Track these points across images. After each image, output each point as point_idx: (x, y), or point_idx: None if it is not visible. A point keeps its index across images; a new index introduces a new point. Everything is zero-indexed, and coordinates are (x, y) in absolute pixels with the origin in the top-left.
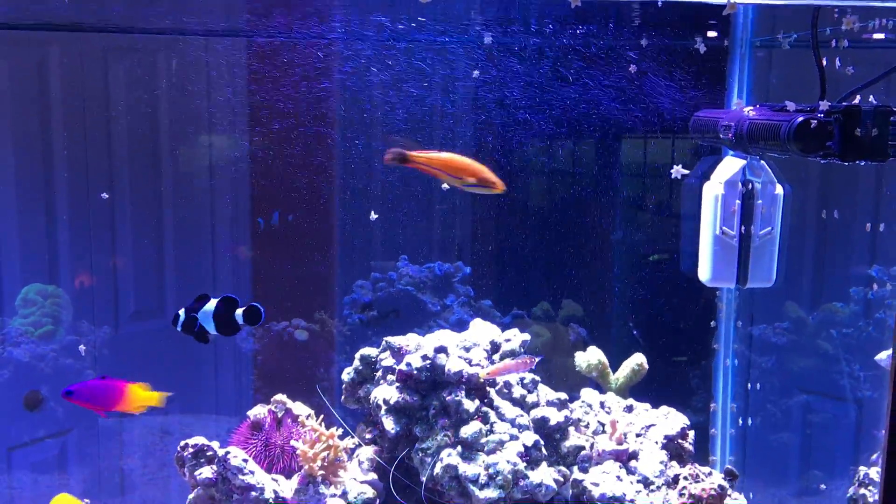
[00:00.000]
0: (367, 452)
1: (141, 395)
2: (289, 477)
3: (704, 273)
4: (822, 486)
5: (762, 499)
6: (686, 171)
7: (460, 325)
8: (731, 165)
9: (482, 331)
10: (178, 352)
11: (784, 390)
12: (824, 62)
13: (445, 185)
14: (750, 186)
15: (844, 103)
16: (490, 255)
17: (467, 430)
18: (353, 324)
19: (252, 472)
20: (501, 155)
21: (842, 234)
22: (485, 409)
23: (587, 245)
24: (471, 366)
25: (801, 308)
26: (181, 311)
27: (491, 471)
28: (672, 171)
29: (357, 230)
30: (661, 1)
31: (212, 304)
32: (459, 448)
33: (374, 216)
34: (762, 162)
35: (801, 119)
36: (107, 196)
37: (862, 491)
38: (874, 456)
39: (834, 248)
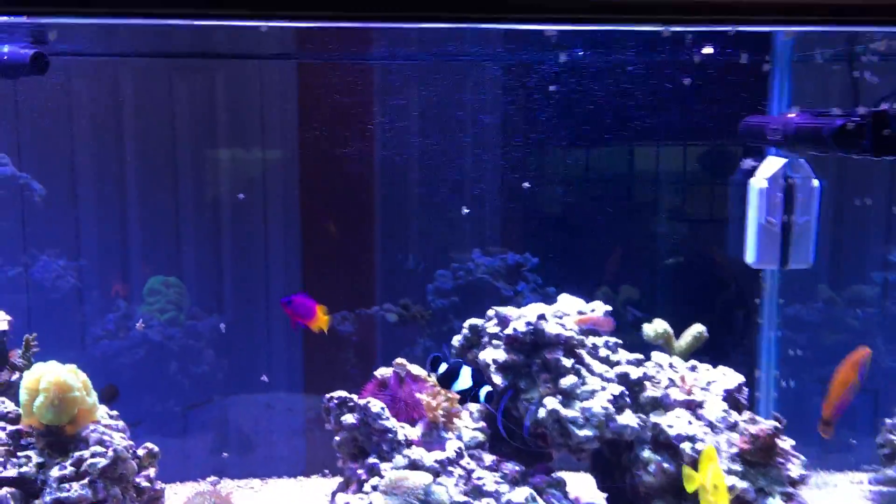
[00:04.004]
0: (478, 404)
1: (322, 318)
2: (412, 425)
3: (751, 256)
4: (853, 442)
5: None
6: (755, 164)
7: None
8: (773, 163)
9: (570, 302)
10: (276, 334)
11: (818, 361)
12: (856, 74)
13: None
14: (791, 181)
15: (875, 108)
16: (556, 247)
17: (566, 382)
18: (436, 308)
19: (388, 418)
20: (567, 161)
21: (868, 224)
22: (578, 365)
23: (644, 236)
24: (566, 330)
25: (831, 289)
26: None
27: (587, 414)
28: (742, 162)
29: (439, 226)
30: (734, 30)
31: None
32: (559, 397)
33: (465, 210)
34: (801, 160)
35: (840, 122)
36: (243, 196)
37: (889, 437)
38: None
39: (861, 236)
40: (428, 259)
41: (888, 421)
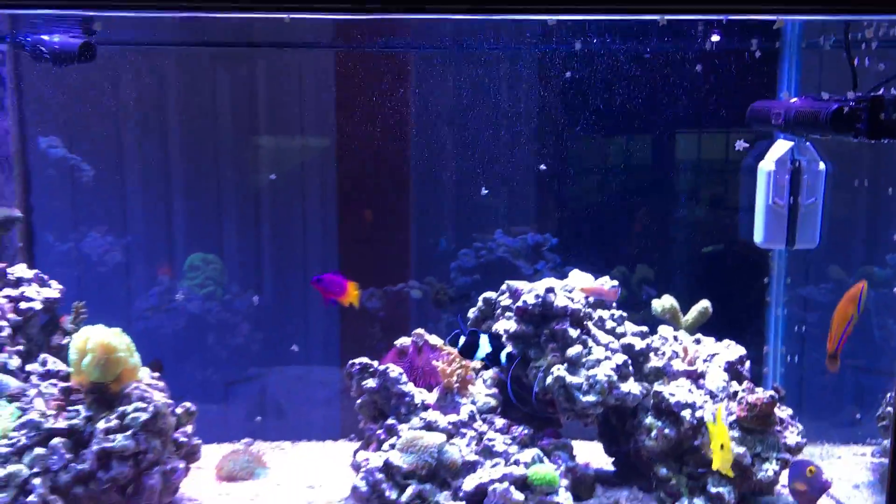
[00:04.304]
0: (490, 372)
1: (353, 293)
2: (429, 391)
3: (759, 236)
4: (857, 416)
5: (806, 428)
6: (747, 144)
7: None
8: (781, 147)
9: (579, 277)
10: (313, 309)
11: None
12: (856, 60)
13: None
14: (797, 164)
15: (872, 93)
16: (574, 228)
17: (572, 351)
18: (459, 285)
19: (406, 383)
20: (588, 147)
21: (879, 206)
22: (584, 336)
23: (657, 219)
24: (573, 303)
25: (842, 270)
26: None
27: (591, 381)
28: (736, 144)
29: (464, 208)
30: (726, 19)
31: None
32: (566, 365)
33: (484, 191)
34: (807, 143)
35: (836, 106)
36: (274, 177)
37: (889, 409)
38: None
39: (872, 218)
40: (453, 239)
41: (889, 394)
